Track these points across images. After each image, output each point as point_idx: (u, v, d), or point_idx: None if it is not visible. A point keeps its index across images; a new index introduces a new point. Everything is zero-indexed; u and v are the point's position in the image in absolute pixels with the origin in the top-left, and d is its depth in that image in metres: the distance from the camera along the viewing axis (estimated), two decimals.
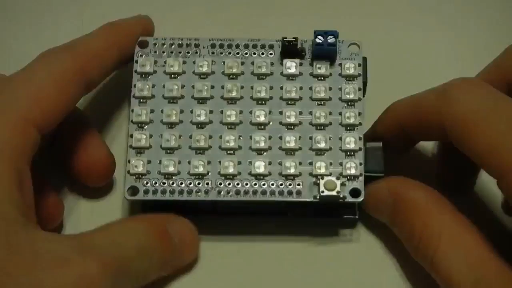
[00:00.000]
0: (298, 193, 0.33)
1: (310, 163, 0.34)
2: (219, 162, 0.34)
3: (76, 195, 0.37)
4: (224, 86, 0.35)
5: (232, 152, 0.34)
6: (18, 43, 0.41)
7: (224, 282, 0.35)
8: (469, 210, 0.32)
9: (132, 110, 0.35)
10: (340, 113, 0.34)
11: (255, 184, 0.33)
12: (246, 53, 0.35)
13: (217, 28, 0.41)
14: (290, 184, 0.33)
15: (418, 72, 0.40)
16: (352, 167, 0.33)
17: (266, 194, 0.33)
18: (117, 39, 0.35)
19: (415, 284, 0.34)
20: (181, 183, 0.33)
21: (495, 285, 0.29)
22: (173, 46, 0.36)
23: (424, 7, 0.42)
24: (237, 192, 0.33)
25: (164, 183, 0.34)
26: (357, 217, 0.35)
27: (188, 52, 0.36)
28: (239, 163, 0.34)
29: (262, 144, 0.34)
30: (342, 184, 0.33)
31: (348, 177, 0.33)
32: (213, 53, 0.36)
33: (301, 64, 0.35)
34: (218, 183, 0.33)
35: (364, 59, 0.35)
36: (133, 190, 0.33)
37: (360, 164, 0.34)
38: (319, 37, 0.35)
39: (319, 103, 0.35)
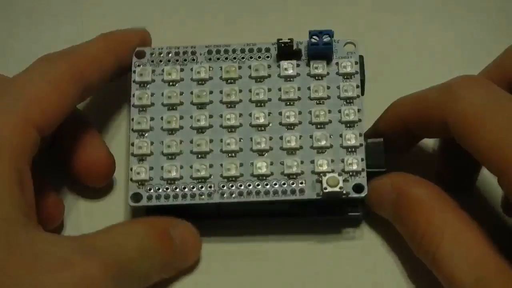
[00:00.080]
0: (301, 191, 0.33)
1: (312, 161, 0.34)
2: (221, 164, 0.34)
3: (76, 195, 0.37)
4: (223, 90, 0.35)
5: (233, 154, 0.34)
6: (19, 45, 0.42)
7: (226, 283, 0.35)
8: (469, 208, 0.32)
9: (133, 119, 0.35)
10: (340, 111, 0.34)
11: (258, 185, 0.33)
12: (242, 57, 0.36)
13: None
14: (292, 183, 0.33)
15: (417, 71, 0.40)
16: (354, 163, 0.33)
17: (269, 194, 0.33)
18: (114, 46, 0.35)
19: (418, 282, 0.34)
20: (184, 188, 0.33)
21: (497, 283, 0.29)
22: (170, 55, 0.36)
23: (424, 6, 0.43)
24: (240, 194, 0.33)
25: (167, 188, 0.33)
26: (360, 213, 0.35)
27: (185, 60, 0.36)
28: (241, 164, 0.34)
29: (263, 145, 0.34)
30: (345, 180, 0.33)
31: (351, 173, 0.33)
32: (210, 59, 0.36)
33: (298, 65, 0.35)
34: (221, 186, 0.33)
35: (361, 57, 0.35)
36: (136, 197, 0.33)
37: (362, 159, 0.33)
38: (314, 37, 0.35)
39: (318, 102, 0.35)
